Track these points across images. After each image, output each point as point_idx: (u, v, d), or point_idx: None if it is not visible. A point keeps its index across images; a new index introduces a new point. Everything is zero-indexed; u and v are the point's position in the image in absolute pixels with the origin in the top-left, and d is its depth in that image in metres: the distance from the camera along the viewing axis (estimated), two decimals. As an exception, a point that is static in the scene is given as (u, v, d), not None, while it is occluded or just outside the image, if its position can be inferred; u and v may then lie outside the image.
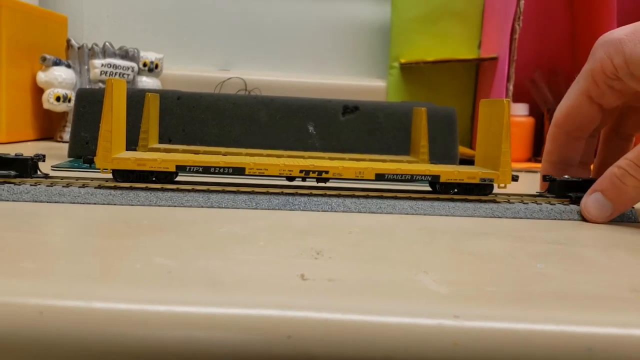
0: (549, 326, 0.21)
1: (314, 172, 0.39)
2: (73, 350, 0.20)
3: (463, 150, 0.73)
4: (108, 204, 0.37)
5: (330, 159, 0.49)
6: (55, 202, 0.36)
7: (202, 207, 0.37)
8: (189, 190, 0.39)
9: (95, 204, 0.37)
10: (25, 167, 0.39)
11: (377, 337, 0.20)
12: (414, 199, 0.40)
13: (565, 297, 0.24)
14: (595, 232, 0.37)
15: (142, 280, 0.23)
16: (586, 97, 0.42)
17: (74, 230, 0.31)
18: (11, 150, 0.41)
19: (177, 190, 0.39)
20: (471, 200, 0.41)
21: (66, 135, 0.77)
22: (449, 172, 0.41)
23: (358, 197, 0.40)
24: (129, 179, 0.39)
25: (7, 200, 0.36)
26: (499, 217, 0.39)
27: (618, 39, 0.39)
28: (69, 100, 0.76)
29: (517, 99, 0.79)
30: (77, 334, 0.20)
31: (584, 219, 0.40)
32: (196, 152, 0.48)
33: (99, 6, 0.93)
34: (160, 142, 0.55)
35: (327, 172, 0.40)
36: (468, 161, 0.71)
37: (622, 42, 0.39)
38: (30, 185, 0.37)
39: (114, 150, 0.38)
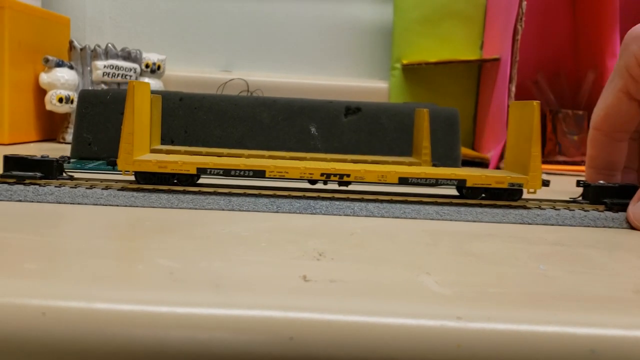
0: (552, 327, 0.21)
1: (335, 175, 0.39)
2: (75, 352, 0.20)
3: (465, 151, 0.72)
4: (130, 206, 0.37)
5: (333, 160, 0.49)
6: (79, 204, 0.36)
7: (223, 209, 0.37)
8: (210, 193, 0.39)
9: (117, 205, 0.36)
10: (51, 169, 0.39)
11: (379, 339, 0.20)
12: (440, 204, 0.39)
13: (568, 298, 0.23)
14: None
15: (145, 282, 0.23)
16: (624, 94, 0.41)
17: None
18: (14, 152, 0.41)
19: (199, 192, 0.39)
20: (500, 206, 0.39)
21: (68, 137, 0.77)
22: (475, 176, 0.39)
23: (381, 201, 0.39)
24: (151, 181, 0.39)
25: (32, 202, 0.36)
26: (529, 224, 0.37)
27: None
28: (72, 102, 0.76)
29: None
30: (80, 335, 0.20)
31: (630, 226, 0.38)
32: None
33: (102, 7, 0.93)
34: (162, 144, 0.55)
35: (348, 176, 0.39)
36: (471, 162, 0.71)
37: None
38: (55, 186, 0.38)
39: (135, 152, 0.38)
